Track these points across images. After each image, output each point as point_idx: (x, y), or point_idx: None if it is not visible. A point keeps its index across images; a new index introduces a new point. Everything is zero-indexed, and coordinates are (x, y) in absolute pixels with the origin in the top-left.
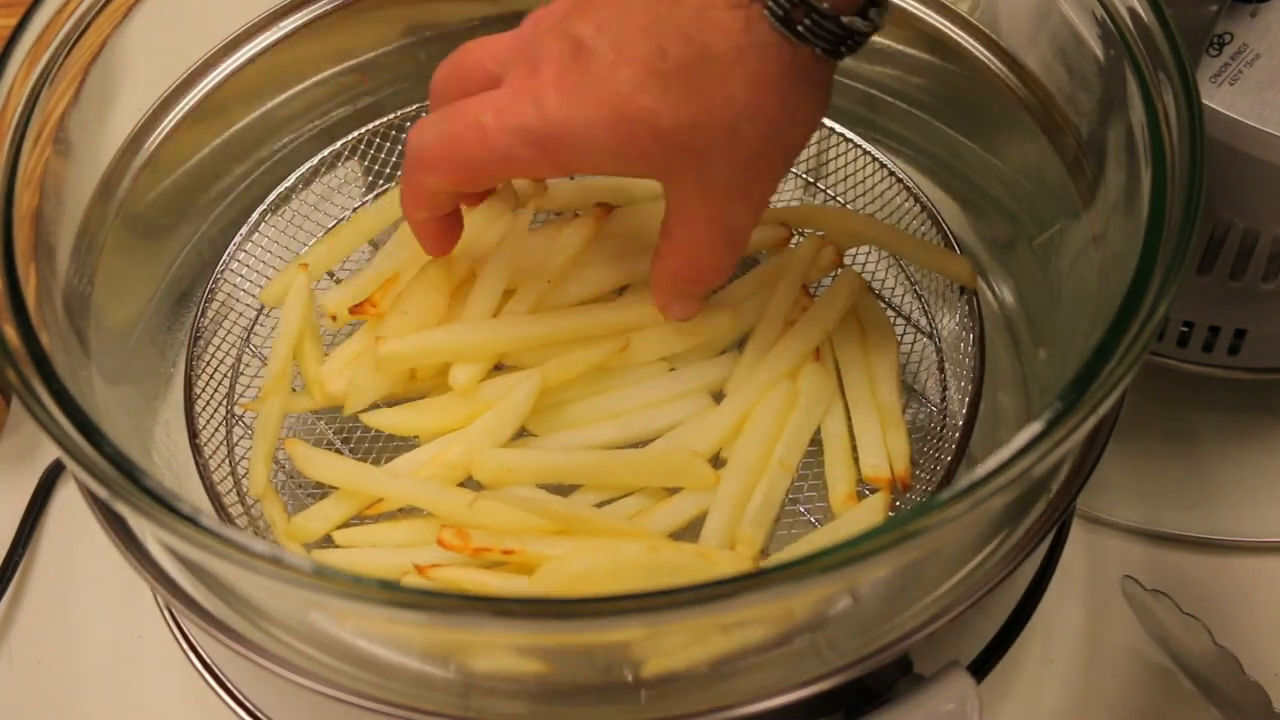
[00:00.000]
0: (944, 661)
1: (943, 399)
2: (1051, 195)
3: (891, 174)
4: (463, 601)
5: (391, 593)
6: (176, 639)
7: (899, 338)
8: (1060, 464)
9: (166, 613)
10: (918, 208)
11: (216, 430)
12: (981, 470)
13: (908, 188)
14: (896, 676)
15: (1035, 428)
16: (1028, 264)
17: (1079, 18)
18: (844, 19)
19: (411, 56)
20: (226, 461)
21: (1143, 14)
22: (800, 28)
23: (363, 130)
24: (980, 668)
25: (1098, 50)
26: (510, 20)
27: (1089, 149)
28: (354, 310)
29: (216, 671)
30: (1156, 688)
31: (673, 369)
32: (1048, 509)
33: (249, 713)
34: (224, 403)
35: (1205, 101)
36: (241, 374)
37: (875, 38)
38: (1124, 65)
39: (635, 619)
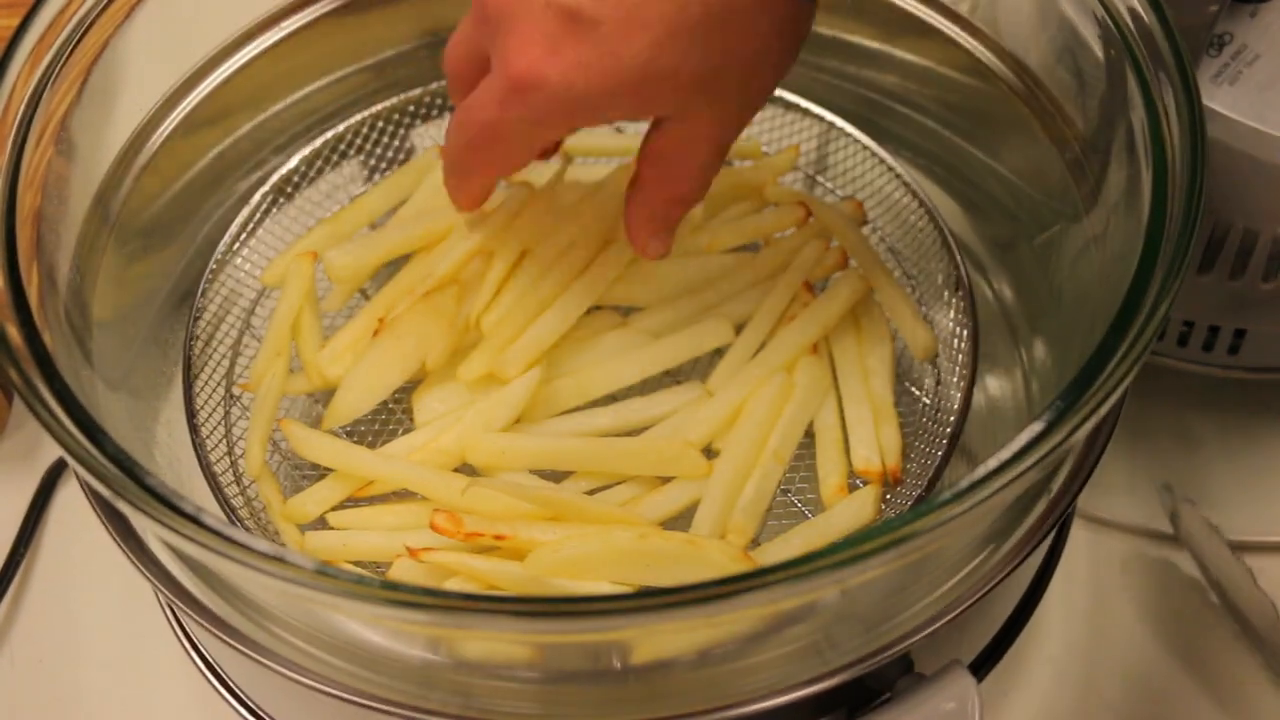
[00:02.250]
0: (945, 660)
1: (936, 393)
2: (1052, 195)
3: (891, 171)
4: (464, 601)
5: (393, 593)
6: (178, 638)
7: (893, 332)
8: (1061, 464)
9: (168, 611)
10: (916, 204)
11: (215, 411)
12: (982, 470)
13: (908, 185)
14: (897, 675)
15: (1036, 428)
16: (1028, 264)
17: (1079, 18)
18: None
19: (420, 57)
20: (224, 442)
21: (1143, 14)
22: None
23: (366, 115)
24: (981, 667)
25: (1098, 50)
26: None
27: (1089, 149)
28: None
29: (218, 670)
30: (1157, 687)
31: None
32: (1048, 509)
33: (251, 712)
34: (223, 383)
35: (1205, 101)
36: (240, 355)
37: (875, 39)
38: (1124, 65)
39: (634, 619)
